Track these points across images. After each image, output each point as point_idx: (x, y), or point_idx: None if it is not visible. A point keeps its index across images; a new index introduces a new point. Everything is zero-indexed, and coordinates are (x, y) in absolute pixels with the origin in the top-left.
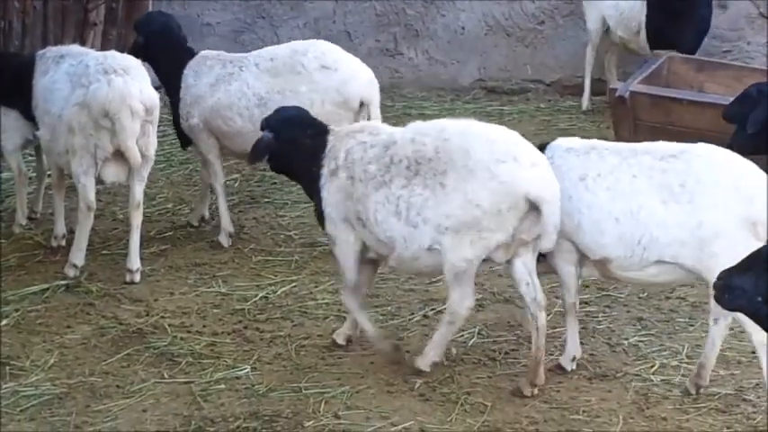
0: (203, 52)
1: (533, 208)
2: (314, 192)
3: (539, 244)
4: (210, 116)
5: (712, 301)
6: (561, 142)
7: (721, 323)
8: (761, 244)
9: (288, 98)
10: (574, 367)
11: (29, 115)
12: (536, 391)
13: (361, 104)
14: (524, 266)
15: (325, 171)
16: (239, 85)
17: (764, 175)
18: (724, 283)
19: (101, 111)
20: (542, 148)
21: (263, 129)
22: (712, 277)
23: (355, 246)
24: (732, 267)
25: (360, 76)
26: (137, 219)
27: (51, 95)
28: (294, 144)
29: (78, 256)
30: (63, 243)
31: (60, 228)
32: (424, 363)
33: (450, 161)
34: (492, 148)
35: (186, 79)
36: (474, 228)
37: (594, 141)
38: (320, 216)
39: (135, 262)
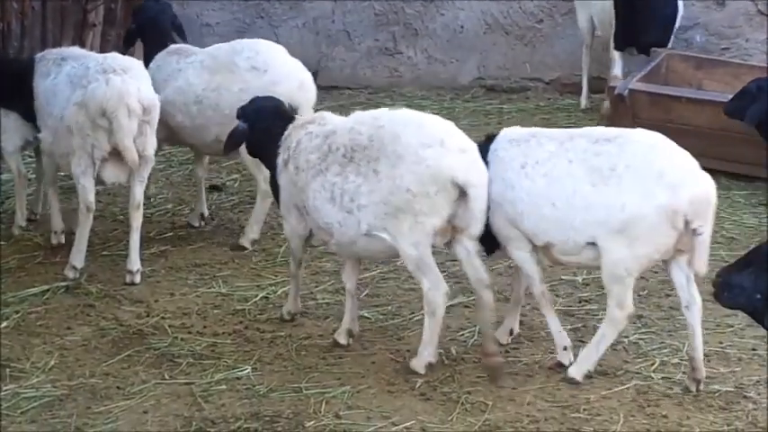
0: (172, 46)
1: (464, 193)
2: (273, 179)
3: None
4: (162, 110)
5: (679, 290)
6: (505, 132)
7: (693, 309)
8: (676, 232)
9: (223, 96)
10: (572, 359)
11: (29, 117)
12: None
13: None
14: (465, 250)
15: (279, 160)
16: (182, 81)
17: (695, 166)
18: (723, 281)
19: (98, 109)
20: (491, 139)
21: (238, 118)
22: (619, 256)
23: (302, 231)
24: (731, 265)
25: (289, 79)
26: (137, 220)
27: (54, 98)
28: (263, 133)
29: (78, 257)
30: (62, 239)
31: (58, 223)
32: (419, 364)
33: (382, 147)
34: (420, 133)
35: (150, 72)
36: (409, 212)
37: (536, 129)
38: (277, 200)
39: (135, 263)
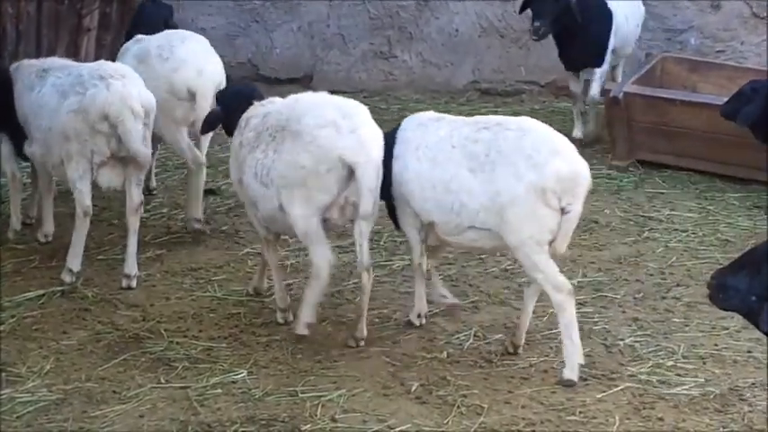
0: (137, 37)
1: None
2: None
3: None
4: None
5: (528, 271)
6: (417, 116)
7: (532, 287)
8: (552, 211)
9: None
10: (423, 322)
11: (5, 127)
12: (361, 343)
13: (194, 94)
14: (358, 230)
15: (236, 141)
16: None
17: (565, 148)
18: (718, 283)
19: (100, 115)
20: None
21: (216, 102)
22: (511, 243)
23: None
24: (726, 267)
25: (188, 66)
26: (134, 223)
27: (40, 110)
28: (232, 116)
29: (75, 261)
30: (50, 239)
31: (49, 227)
32: (299, 327)
33: (288, 126)
34: (318, 113)
35: None
36: (302, 187)
37: (443, 115)
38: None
39: (132, 267)
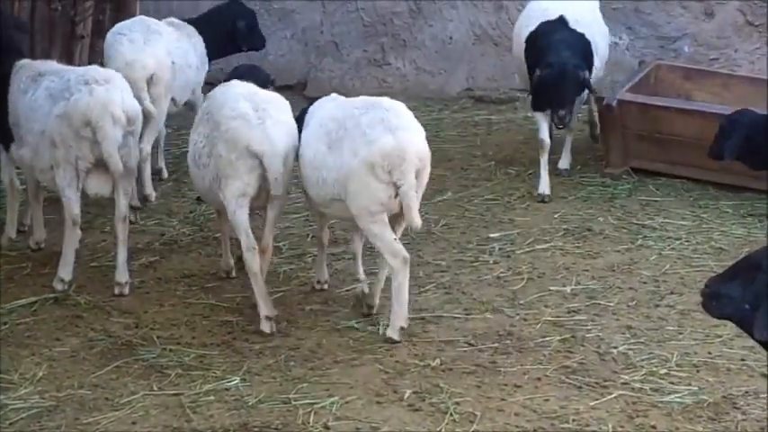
0: None
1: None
2: None
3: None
4: None
5: (369, 239)
6: (324, 98)
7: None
8: (383, 185)
9: None
10: (325, 287)
11: None
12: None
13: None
14: (267, 215)
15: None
16: None
17: (404, 125)
18: (711, 291)
19: (82, 120)
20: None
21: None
22: (353, 212)
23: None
24: (719, 275)
25: (116, 59)
26: (123, 232)
27: (33, 114)
28: None
29: (66, 270)
30: (42, 246)
31: (39, 234)
32: (263, 324)
33: (212, 115)
34: (232, 106)
35: None
36: (221, 174)
37: (338, 96)
38: None
39: (123, 275)
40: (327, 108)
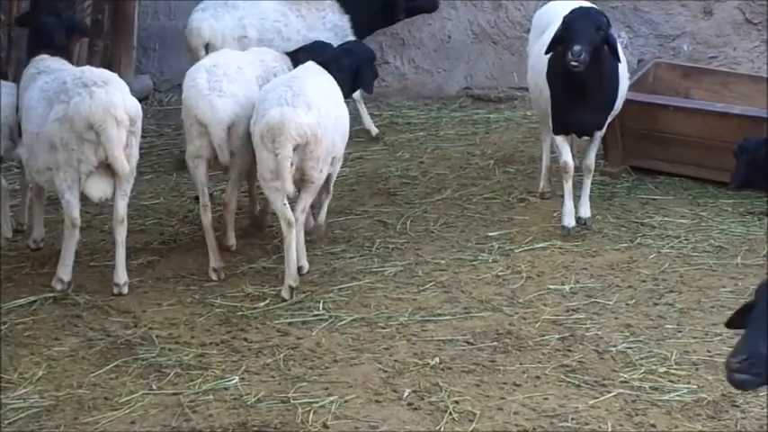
0: None
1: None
2: None
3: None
4: None
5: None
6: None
7: (301, 218)
8: (271, 155)
9: None
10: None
11: None
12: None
13: None
14: (231, 175)
15: None
16: None
17: (292, 100)
18: (750, 354)
19: (85, 124)
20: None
21: None
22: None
23: None
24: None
25: None
26: (121, 234)
27: (27, 114)
28: None
29: (65, 271)
30: (41, 245)
31: (39, 232)
32: (211, 270)
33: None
34: (193, 75)
35: None
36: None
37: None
38: None
39: (122, 276)
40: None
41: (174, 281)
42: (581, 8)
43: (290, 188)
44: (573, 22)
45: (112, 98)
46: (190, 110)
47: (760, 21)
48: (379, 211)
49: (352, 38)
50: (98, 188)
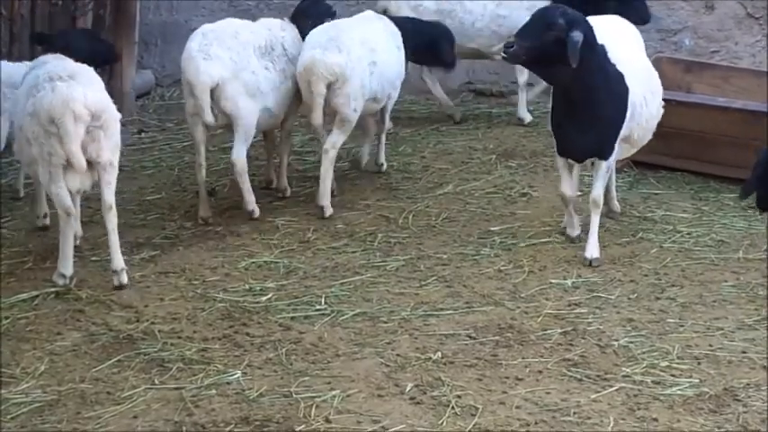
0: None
1: None
2: None
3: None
4: None
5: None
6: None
7: (331, 153)
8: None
9: None
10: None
11: None
12: None
13: None
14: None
15: None
16: None
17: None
18: None
19: (47, 117)
20: None
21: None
22: None
23: None
24: None
25: None
26: (111, 222)
27: (15, 108)
28: None
29: (65, 264)
30: (47, 221)
31: (42, 208)
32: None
33: None
34: (191, 37)
35: None
36: None
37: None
38: None
39: (119, 262)
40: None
41: (175, 275)
42: (546, 6)
43: (318, 121)
44: (530, 17)
45: (72, 92)
46: (183, 72)
47: (761, 15)
48: (381, 206)
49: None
50: (74, 181)
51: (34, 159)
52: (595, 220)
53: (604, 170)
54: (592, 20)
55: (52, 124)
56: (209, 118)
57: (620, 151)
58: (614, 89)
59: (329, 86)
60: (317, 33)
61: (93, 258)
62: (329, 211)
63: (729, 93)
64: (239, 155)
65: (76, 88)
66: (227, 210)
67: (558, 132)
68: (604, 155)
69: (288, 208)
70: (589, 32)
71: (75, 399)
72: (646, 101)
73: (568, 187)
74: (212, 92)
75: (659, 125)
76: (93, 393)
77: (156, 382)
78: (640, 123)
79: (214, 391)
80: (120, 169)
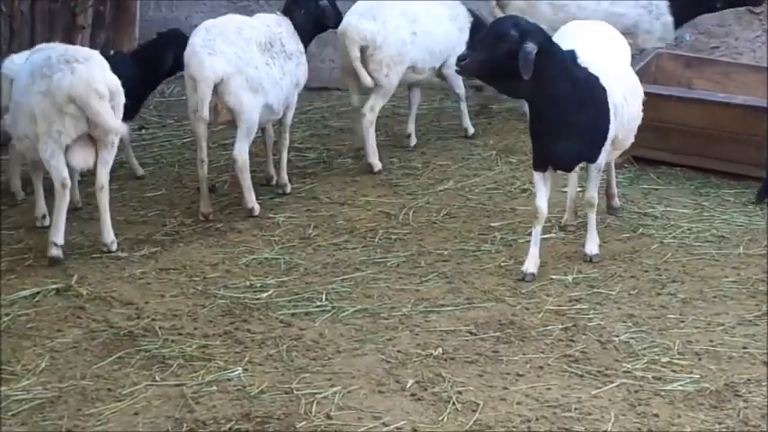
0: None
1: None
2: None
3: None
4: None
5: None
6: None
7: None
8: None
9: None
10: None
11: None
12: None
13: None
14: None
15: None
16: None
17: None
18: None
19: (65, 98)
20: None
21: None
22: None
23: None
24: None
25: None
26: (103, 201)
27: (16, 83)
28: None
29: (57, 234)
30: (46, 223)
31: (40, 208)
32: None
33: None
34: (194, 33)
35: None
36: None
37: None
38: None
39: (108, 236)
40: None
41: (176, 272)
42: (501, 17)
43: (367, 81)
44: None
45: (93, 73)
46: (186, 66)
47: (761, 11)
48: (382, 202)
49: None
50: (79, 158)
51: (35, 135)
52: (592, 218)
53: (595, 172)
54: (569, 25)
55: (70, 104)
56: (206, 113)
57: (606, 153)
58: (589, 93)
59: (363, 52)
60: (361, 3)
61: (95, 255)
62: (378, 166)
63: (730, 88)
64: (241, 151)
65: (95, 69)
66: (228, 206)
67: (539, 146)
68: (593, 158)
69: (288, 204)
70: (546, 42)
71: (76, 396)
72: (626, 101)
73: (544, 201)
74: (216, 87)
75: (661, 121)
76: (94, 390)
77: (157, 378)
78: (623, 124)
79: (215, 388)
80: (121, 166)
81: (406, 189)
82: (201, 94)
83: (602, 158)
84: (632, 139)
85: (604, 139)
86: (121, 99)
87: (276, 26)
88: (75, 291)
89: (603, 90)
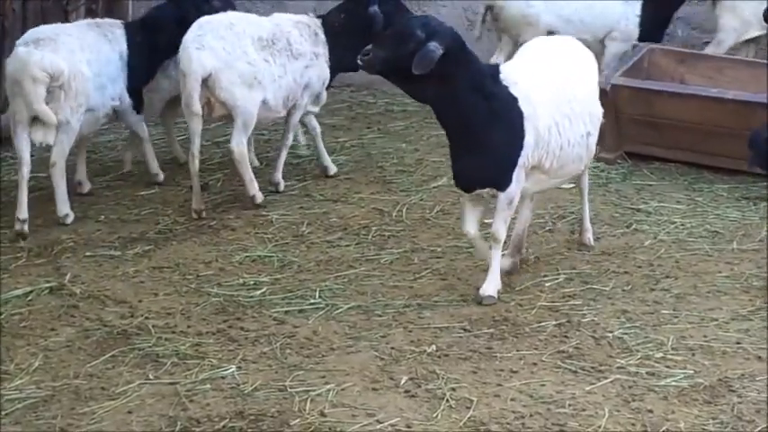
0: None
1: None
2: None
3: None
4: None
5: None
6: None
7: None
8: None
9: None
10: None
11: None
12: None
13: None
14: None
15: None
16: None
17: None
18: None
19: (11, 79)
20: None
21: None
22: None
23: None
24: None
25: None
26: (55, 176)
27: None
28: None
29: (21, 209)
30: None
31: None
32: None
33: None
34: (191, 29)
35: None
36: None
37: None
38: None
39: (62, 209)
40: None
41: (169, 270)
42: (411, 16)
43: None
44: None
45: (30, 56)
46: (179, 61)
47: None
48: (375, 199)
49: None
50: (38, 134)
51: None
52: (496, 255)
53: (504, 203)
54: (533, 41)
55: (16, 85)
56: (197, 108)
57: (536, 182)
58: (501, 113)
59: None
60: None
61: (87, 254)
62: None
63: (723, 84)
64: (237, 143)
65: (34, 52)
66: (221, 204)
67: (451, 159)
68: (500, 186)
69: (281, 202)
70: (457, 48)
71: (70, 394)
72: (559, 127)
73: (472, 225)
74: (206, 82)
75: (654, 116)
76: (88, 389)
77: (151, 377)
78: (551, 152)
79: (209, 386)
80: (114, 162)
81: (400, 186)
82: (190, 87)
83: (515, 188)
84: (578, 168)
85: (513, 165)
86: (74, 83)
87: (288, 26)
88: (68, 289)
89: (520, 113)
